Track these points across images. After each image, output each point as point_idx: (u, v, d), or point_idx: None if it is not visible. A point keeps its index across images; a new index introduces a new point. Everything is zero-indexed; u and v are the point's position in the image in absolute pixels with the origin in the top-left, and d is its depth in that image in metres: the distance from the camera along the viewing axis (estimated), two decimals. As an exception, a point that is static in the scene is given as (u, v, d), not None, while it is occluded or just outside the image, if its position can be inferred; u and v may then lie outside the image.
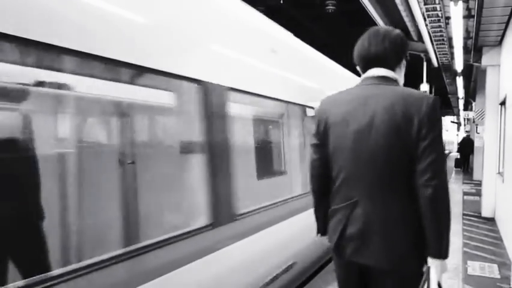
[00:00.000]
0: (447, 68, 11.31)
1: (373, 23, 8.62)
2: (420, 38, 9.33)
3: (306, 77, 4.65)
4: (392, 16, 9.00)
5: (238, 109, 3.19)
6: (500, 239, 6.60)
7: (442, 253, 1.78)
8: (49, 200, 1.87)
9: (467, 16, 6.58)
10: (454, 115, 33.31)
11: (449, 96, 19.02)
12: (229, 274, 2.84)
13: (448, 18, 6.64)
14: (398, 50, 2.01)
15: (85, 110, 2.12)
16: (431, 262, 1.79)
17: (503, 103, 7.24)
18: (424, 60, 11.48)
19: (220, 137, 2.79)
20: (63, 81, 1.90)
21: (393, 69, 2.01)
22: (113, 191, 2.16)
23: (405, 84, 2.07)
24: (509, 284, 4.26)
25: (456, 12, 5.82)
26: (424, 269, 1.83)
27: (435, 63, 10.68)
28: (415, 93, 1.86)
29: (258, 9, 10.22)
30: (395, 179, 1.84)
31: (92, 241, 2.08)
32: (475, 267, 5.13)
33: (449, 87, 15.57)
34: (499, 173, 7.43)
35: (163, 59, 2.34)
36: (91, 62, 1.93)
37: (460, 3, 5.48)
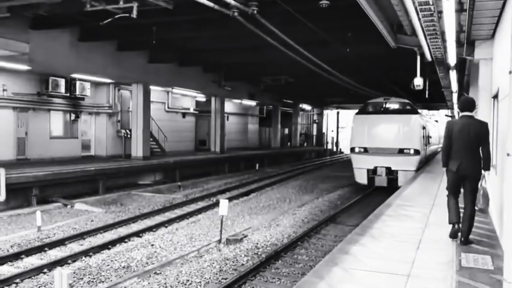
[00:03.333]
0: (440, 61, 11.35)
1: (367, 18, 8.63)
2: (413, 32, 9.36)
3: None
4: (386, 11, 9.02)
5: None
6: (493, 230, 6.68)
7: (489, 168, 5.75)
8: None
9: (460, 10, 6.62)
10: (448, 109, 33.47)
11: (443, 90, 19.11)
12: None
13: (440, 12, 6.66)
14: (473, 106, 6.02)
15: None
16: (485, 172, 5.75)
17: (495, 96, 7.30)
18: (418, 54, 11.51)
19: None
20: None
21: (472, 111, 5.91)
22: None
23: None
24: (503, 275, 4.30)
25: (448, 6, 5.85)
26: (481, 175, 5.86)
27: (428, 57, 10.72)
28: (483, 122, 5.91)
29: (252, 4, 10.10)
30: (475, 150, 5.70)
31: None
32: (469, 259, 5.17)
33: (442, 80, 15.64)
34: (492, 165, 7.49)
35: None
36: None
37: (453, -2, 5.51)
